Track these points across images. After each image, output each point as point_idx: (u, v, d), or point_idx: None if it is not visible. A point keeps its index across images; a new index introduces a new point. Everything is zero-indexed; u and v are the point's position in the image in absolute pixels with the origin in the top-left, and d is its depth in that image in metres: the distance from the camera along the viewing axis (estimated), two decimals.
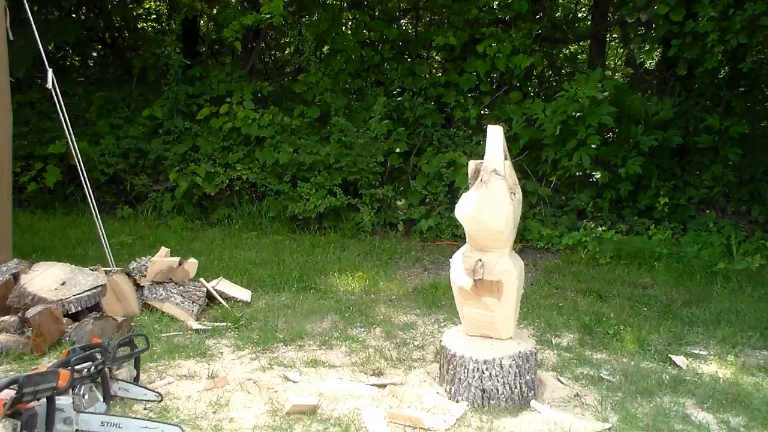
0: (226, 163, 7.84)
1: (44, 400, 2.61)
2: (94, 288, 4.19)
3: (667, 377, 3.65)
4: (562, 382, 3.56)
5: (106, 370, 3.06)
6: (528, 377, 3.27)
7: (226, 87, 8.47)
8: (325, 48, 9.13)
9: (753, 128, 7.49)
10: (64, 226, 7.16)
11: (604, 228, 6.83)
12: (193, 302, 4.54)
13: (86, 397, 2.91)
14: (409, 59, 8.80)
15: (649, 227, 6.82)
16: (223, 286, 4.89)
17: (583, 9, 10.61)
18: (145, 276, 4.69)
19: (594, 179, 7.31)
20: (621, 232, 6.74)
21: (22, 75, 7.96)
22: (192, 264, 4.85)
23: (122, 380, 3.21)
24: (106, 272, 4.54)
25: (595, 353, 4.06)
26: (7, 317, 3.91)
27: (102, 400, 2.99)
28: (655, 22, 7.45)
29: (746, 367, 3.87)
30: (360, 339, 4.20)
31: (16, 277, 4.14)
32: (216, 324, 4.36)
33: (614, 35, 10.55)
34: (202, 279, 4.87)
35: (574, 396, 3.41)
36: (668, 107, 7.24)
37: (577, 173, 7.27)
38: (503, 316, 3.29)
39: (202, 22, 10.92)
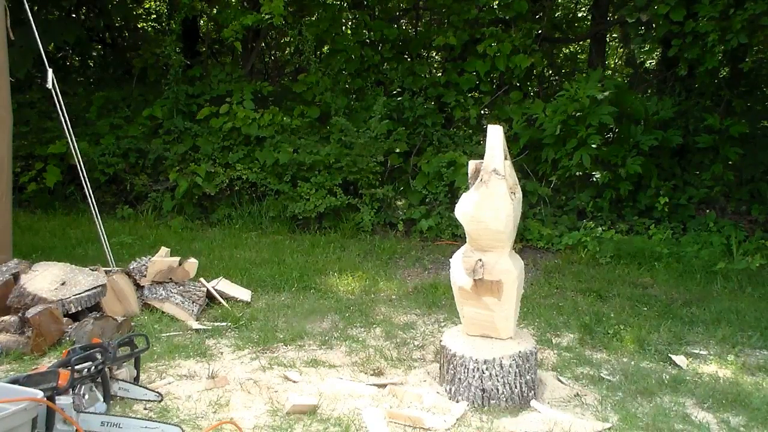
0: (226, 163, 7.84)
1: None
2: (94, 288, 4.19)
3: (667, 377, 3.65)
4: (562, 382, 3.56)
5: (106, 370, 3.06)
6: (528, 377, 3.27)
7: (226, 87, 8.47)
8: (325, 48, 9.13)
9: (753, 128, 7.48)
10: (64, 226, 7.16)
11: (604, 228, 6.82)
12: (193, 302, 4.54)
13: (86, 397, 2.91)
14: (409, 59, 8.80)
15: (649, 227, 6.81)
16: (223, 286, 4.89)
17: (583, 9, 10.61)
18: (145, 276, 4.69)
19: (594, 179, 7.30)
20: (621, 232, 6.74)
21: (23, 75, 7.97)
22: (192, 264, 4.85)
23: (122, 380, 3.21)
24: (106, 272, 4.54)
25: (595, 353, 4.06)
26: (7, 317, 3.91)
27: (102, 400, 2.99)
28: (655, 22, 7.46)
29: (746, 367, 3.87)
30: (360, 339, 4.20)
31: (16, 277, 4.14)
32: (216, 324, 4.36)
33: (614, 35, 10.55)
34: (202, 279, 4.87)
35: (574, 396, 3.41)
36: (668, 107, 7.24)
37: (577, 173, 7.26)
38: (503, 316, 3.29)
39: (202, 22, 10.93)
